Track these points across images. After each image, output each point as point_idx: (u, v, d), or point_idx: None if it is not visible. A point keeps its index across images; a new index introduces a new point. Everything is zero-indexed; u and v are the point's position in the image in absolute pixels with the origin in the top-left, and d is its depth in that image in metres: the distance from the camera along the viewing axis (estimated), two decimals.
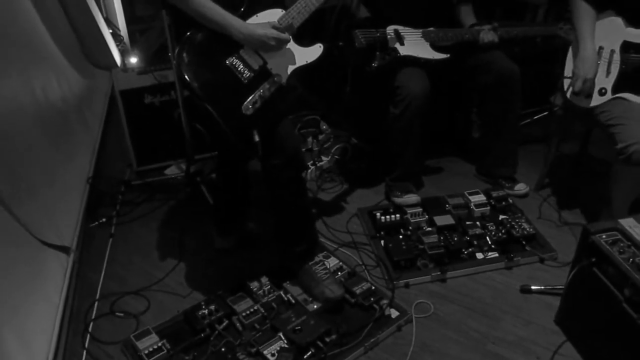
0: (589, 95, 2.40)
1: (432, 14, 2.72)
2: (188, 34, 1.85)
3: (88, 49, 3.48)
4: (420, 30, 2.66)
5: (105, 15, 3.86)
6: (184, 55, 1.83)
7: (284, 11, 2.00)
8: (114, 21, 3.87)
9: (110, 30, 3.59)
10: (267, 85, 1.92)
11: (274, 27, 1.92)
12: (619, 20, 2.37)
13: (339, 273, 2.29)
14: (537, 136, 3.38)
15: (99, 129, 3.35)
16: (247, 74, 1.90)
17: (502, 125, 2.81)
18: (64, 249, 2.29)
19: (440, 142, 3.31)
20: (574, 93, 2.40)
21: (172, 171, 3.12)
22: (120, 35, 3.79)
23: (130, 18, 4.09)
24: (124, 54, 3.54)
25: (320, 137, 2.82)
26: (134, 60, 3.18)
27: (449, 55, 2.65)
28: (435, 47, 2.66)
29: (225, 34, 1.87)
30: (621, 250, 1.80)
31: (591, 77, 2.33)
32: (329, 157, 2.85)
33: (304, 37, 2.04)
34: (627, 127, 2.23)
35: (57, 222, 2.34)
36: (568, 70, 2.50)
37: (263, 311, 2.10)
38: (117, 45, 3.60)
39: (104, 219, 2.75)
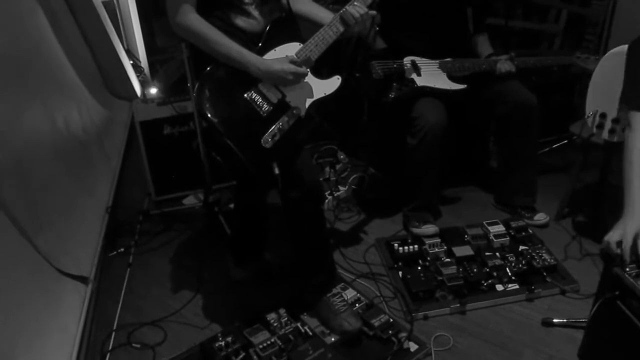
0: (613, 131, 2.35)
1: (448, 44, 2.73)
2: (208, 69, 1.87)
3: (109, 80, 3.55)
4: (437, 61, 2.68)
5: (126, 47, 3.95)
6: (204, 90, 1.85)
7: (301, 44, 2.02)
8: (135, 52, 3.95)
9: (131, 62, 3.67)
10: (286, 119, 1.93)
11: (292, 61, 1.94)
12: None
13: (357, 305, 2.27)
14: (556, 165, 3.35)
15: (118, 159, 3.39)
16: (266, 107, 1.91)
17: (521, 154, 2.79)
18: (82, 279, 2.30)
19: (458, 171, 3.29)
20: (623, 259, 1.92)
21: (190, 201, 3.14)
22: (140, 67, 3.87)
23: (150, 49, 4.18)
24: (144, 84, 3.60)
25: (338, 166, 2.83)
26: (153, 91, 3.23)
27: (466, 85, 2.65)
28: (452, 78, 2.67)
29: (243, 70, 1.89)
30: None
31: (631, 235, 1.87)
32: (346, 186, 2.86)
33: (322, 70, 2.06)
34: None
35: (76, 251, 2.35)
36: (590, 105, 2.47)
37: (280, 343, 2.07)
38: (138, 76, 3.67)
39: (122, 249, 2.77)
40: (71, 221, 2.39)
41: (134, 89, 3.54)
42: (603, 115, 2.43)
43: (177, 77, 3.84)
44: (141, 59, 3.94)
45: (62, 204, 2.35)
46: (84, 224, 2.56)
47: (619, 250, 1.84)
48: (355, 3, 2.02)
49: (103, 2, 3.31)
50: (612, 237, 1.86)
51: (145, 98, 3.10)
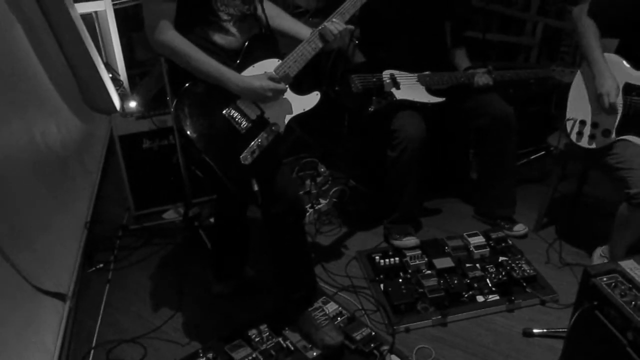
0: (592, 137, 2.42)
1: (427, 58, 2.76)
2: (186, 85, 1.87)
3: (88, 94, 3.52)
4: (416, 75, 2.70)
5: (105, 60, 3.92)
6: (183, 107, 1.84)
7: (280, 61, 2.02)
8: (114, 66, 3.92)
9: (110, 75, 3.64)
10: (265, 135, 1.93)
11: (271, 78, 1.93)
12: (621, 62, 2.38)
13: (339, 318, 2.27)
14: (534, 176, 3.39)
15: (97, 174, 3.36)
16: (244, 124, 1.90)
17: (499, 166, 2.82)
18: (60, 296, 2.27)
19: (438, 183, 3.31)
20: (605, 110, 2.35)
21: (170, 215, 3.11)
22: (120, 80, 3.84)
23: (130, 62, 4.15)
24: (123, 98, 3.57)
25: (319, 179, 2.83)
26: (133, 104, 3.21)
27: (444, 98, 2.68)
28: (431, 91, 2.70)
29: (221, 86, 1.89)
30: (623, 293, 1.78)
31: (613, 90, 2.29)
32: (327, 199, 2.85)
33: (301, 85, 2.07)
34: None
35: (54, 268, 2.32)
36: (570, 112, 2.51)
37: (262, 359, 2.07)
38: (117, 90, 3.64)
39: (101, 265, 2.73)
40: (49, 237, 2.36)
41: (113, 103, 3.50)
42: (583, 122, 2.47)
43: (156, 91, 3.83)
44: (120, 72, 3.90)
45: (40, 220, 2.32)
46: (62, 240, 2.53)
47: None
48: (334, 19, 2.03)
49: (82, 16, 3.28)
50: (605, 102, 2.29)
51: (124, 112, 3.08)
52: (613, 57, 2.40)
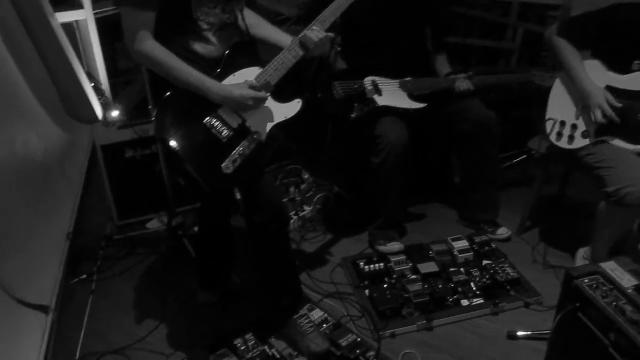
0: (572, 138, 2.46)
1: (408, 64, 2.78)
2: (167, 94, 1.86)
3: (69, 103, 3.49)
4: (398, 81, 2.72)
5: (87, 70, 3.89)
6: (164, 116, 1.83)
7: (261, 69, 2.01)
8: (96, 75, 3.89)
9: (92, 84, 3.61)
10: (247, 144, 1.92)
11: (252, 86, 1.93)
12: (600, 65, 2.44)
13: (324, 325, 2.27)
14: (518, 180, 3.42)
15: (80, 184, 3.32)
16: (226, 133, 1.90)
17: (482, 171, 2.85)
18: (43, 309, 2.24)
19: (422, 188, 3.33)
20: (596, 123, 2.39)
21: (154, 225, 3.09)
22: (102, 89, 3.81)
23: (112, 71, 4.12)
24: (105, 107, 3.55)
25: (303, 186, 2.84)
26: (115, 114, 3.18)
27: (426, 104, 2.69)
28: (413, 97, 2.71)
29: (202, 95, 1.88)
30: (604, 294, 1.80)
31: (603, 103, 2.34)
32: (312, 206, 2.86)
33: (282, 93, 2.06)
34: (617, 170, 2.27)
35: (36, 280, 2.29)
36: (551, 113, 2.55)
37: None
38: (99, 99, 3.61)
39: (84, 276, 2.71)
40: (31, 249, 2.33)
41: (95, 112, 3.47)
42: (563, 124, 2.51)
43: (138, 100, 3.80)
44: (102, 81, 3.87)
45: (21, 232, 2.29)
46: (44, 252, 2.50)
47: (604, 120, 2.34)
48: (314, 27, 2.03)
49: (63, 25, 3.25)
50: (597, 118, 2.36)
51: (106, 121, 3.06)
52: (592, 62, 2.45)
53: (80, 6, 3.60)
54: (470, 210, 3.01)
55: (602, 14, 2.40)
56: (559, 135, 2.50)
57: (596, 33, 2.41)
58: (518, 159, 3.57)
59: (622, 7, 2.36)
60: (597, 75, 2.42)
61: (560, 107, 2.54)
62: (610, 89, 2.39)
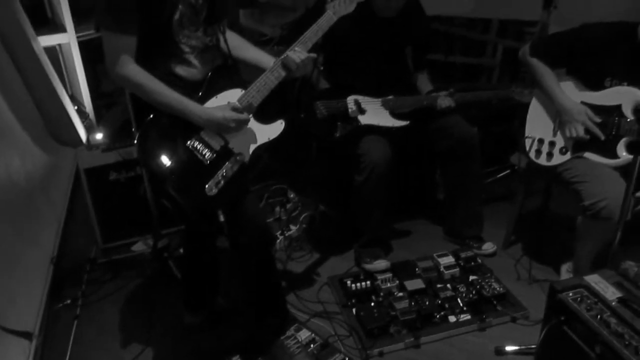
0: (550, 154, 2.50)
1: (390, 82, 2.81)
2: (149, 117, 1.86)
3: (52, 126, 3.47)
4: (380, 99, 2.74)
5: (70, 93, 3.88)
6: (146, 140, 1.83)
7: (243, 90, 2.02)
8: (79, 97, 3.88)
9: (76, 107, 3.60)
10: (230, 165, 1.92)
11: (234, 108, 1.94)
12: (574, 82, 2.50)
13: (312, 345, 2.26)
14: (501, 194, 3.45)
15: (63, 207, 3.30)
16: (208, 155, 1.90)
17: (465, 186, 2.87)
18: (26, 335, 2.21)
19: (407, 205, 3.34)
20: (574, 139, 2.44)
21: (139, 247, 3.06)
22: (85, 112, 3.80)
23: (95, 93, 4.12)
24: (89, 130, 3.53)
25: (288, 205, 2.84)
26: (99, 136, 3.17)
27: (408, 122, 2.72)
28: (395, 115, 2.73)
29: (184, 118, 1.88)
30: (589, 307, 1.82)
31: (585, 119, 2.39)
32: (298, 225, 2.86)
33: (265, 114, 2.07)
34: (592, 184, 2.32)
35: (19, 306, 2.26)
36: (529, 130, 2.60)
37: None
38: (83, 122, 3.60)
39: (68, 301, 2.67)
40: (14, 274, 2.30)
41: (78, 135, 3.46)
42: (541, 141, 2.56)
43: (122, 122, 3.79)
44: (86, 104, 3.86)
45: (4, 256, 2.27)
46: (27, 276, 2.47)
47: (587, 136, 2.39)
48: (296, 48, 2.05)
49: (45, 48, 3.25)
50: (572, 134, 2.42)
51: (90, 145, 3.04)
52: (566, 79, 2.53)
53: (63, 29, 3.60)
54: (454, 225, 3.03)
55: (570, 34, 2.47)
56: (538, 152, 2.55)
57: (566, 52, 2.48)
58: (502, 174, 3.60)
59: (589, 27, 2.43)
60: (571, 92, 2.48)
61: (537, 124, 2.60)
62: (584, 104, 2.44)
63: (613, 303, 1.81)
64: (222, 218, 1.83)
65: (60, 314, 2.62)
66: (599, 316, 1.77)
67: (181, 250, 2.85)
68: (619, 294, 1.85)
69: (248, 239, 1.96)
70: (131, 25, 1.79)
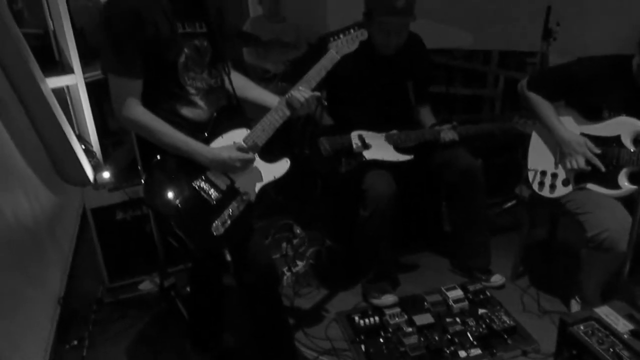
0: (553, 186, 2.51)
1: (393, 117, 2.83)
2: (156, 159, 1.88)
3: (60, 166, 3.51)
4: (384, 134, 2.76)
5: (77, 132, 3.93)
6: (152, 181, 1.84)
7: (248, 130, 2.04)
8: (86, 137, 3.94)
9: (83, 147, 3.64)
10: (236, 204, 1.93)
11: (239, 148, 1.96)
12: (573, 114, 2.52)
13: None
14: (508, 225, 3.44)
15: (70, 247, 3.31)
16: (215, 195, 1.91)
17: (470, 218, 2.87)
18: None
19: (413, 238, 3.34)
20: (575, 171, 2.46)
21: (146, 286, 3.06)
22: (92, 151, 3.85)
23: (102, 132, 4.17)
24: (96, 169, 3.57)
25: (295, 241, 2.83)
26: (106, 175, 3.20)
27: (412, 156, 2.74)
28: (399, 149, 2.75)
29: (190, 159, 1.90)
30: (600, 340, 1.80)
31: (586, 150, 2.40)
32: (304, 261, 2.85)
33: (270, 153, 2.09)
34: (594, 216, 2.32)
35: (26, 347, 2.25)
36: (531, 163, 2.62)
37: None
38: (90, 161, 3.64)
39: (75, 342, 2.65)
40: (20, 315, 2.30)
41: (86, 175, 3.50)
42: (544, 173, 2.57)
43: (129, 161, 3.83)
44: (93, 143, 3.92)
45: (10, 297, 2.27)
46: (34, 318, 2.47)
47: (589, 167, 2.41)
48: (300, 87, 2.08)
49: (53, 90, 3.31)
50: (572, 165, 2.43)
51: (96, 185, 3.07)
52: (566, 111, 2.55)
53: (70, 71, 3.67)
54: (462, 258, 3.02)
55: (567, 69, 2.50)
56: (541, 184, 2.57)
57: (563, 87, 2.51)
58: (508, 204, 3.60)
59: (584, 61, 2.47)
60: (570, 124, 2.51)
61: (539, 156, 2.62)
62: (584, 136, 2.46)
63: (625, 336, 1.79)
64: (228, 257, 1.83)
65: (68, 355, 2.60)
66: (611, 349, 1.75)
67: (188, 289, 2.85)
68: (631, 327, 1.83)
69: (253, 278, 1.96)
70: (137, 68, 1.82)
